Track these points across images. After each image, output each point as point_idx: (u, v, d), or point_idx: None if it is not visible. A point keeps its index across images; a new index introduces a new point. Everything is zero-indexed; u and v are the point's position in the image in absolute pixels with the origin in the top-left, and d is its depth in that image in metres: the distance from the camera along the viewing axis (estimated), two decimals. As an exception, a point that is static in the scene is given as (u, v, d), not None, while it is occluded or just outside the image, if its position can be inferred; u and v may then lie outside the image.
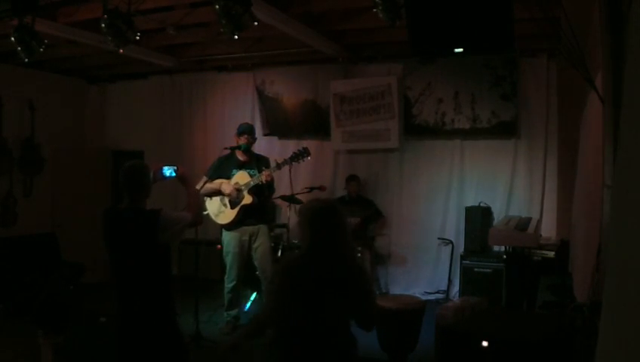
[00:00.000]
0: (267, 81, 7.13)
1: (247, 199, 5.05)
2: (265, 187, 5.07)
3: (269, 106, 7.13)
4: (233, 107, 7.40)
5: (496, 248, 5.87)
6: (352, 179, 6.57)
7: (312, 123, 6.99)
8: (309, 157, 5.25)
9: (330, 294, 2.32)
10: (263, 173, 5.00)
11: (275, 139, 7.19)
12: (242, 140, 5.12)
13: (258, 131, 7.06)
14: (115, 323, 2.99)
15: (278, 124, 7.14)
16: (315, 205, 2.59)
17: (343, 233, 2.45)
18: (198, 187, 3.92)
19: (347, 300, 2.36)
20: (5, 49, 5.95)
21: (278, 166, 5.08)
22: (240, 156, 5.18)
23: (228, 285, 5.20)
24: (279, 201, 6.34)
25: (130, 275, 2.95)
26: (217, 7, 3.71)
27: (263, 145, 6.84)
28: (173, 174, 3.27)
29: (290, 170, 5.23)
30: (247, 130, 5.18)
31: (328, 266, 2.36)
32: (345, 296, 2.35)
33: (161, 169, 3.24)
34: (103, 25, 4.09)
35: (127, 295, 2.96)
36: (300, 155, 5.18)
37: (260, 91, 7.16)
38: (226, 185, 4.99)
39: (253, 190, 5.06)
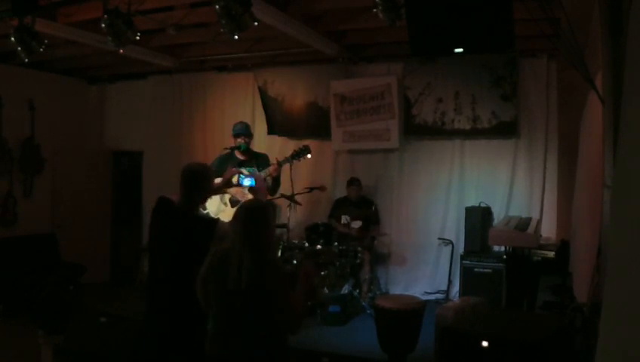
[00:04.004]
0: (269, 81, 7.13)
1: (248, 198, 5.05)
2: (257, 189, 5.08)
3: (271, 107, 7.13)
4: (233, 107, 7.39)
5: (496, 248, 5.86)
6: (351, 183, 6.53)
7: (312, 123, 6.98)
8: (309, 155, 5.25)
9: (239, 282, 2.48)
10: (269, 168, 4.98)
11: (275, 137, 7.17)
12: (240, 141, 5.14)
13: (263, 131, 7.07)
14: (141, 324, 2.95)
15: (281, 124, 7.13)
16: (245, 204, 2.77)
17: (260, 235, 2.58)
18: None
19: (256, 293, 2.49)
20: (5, 49, 5.95)
21: (280, 164, 5.07)
22: (239, 155, 5.19)
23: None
24: (279, 201, 6.32)
25: (170, 278, 2.87)
26: (217, 7, 3.71)
27: (264, 143, 6.85)
28: (254, 184, 3.35)
29: (290, 169, 5.22)
30: (241, 132, 5.18)
31: (243, 259, 2.51)
32: (254, 289, 2.48)
33: (240, 176, 3.28)
34: (103, 25, 4.10)
35: (161, 296, 2.91)
36: (300, 153, 5.17)
37: (262, 92, 7.16)
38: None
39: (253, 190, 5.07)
